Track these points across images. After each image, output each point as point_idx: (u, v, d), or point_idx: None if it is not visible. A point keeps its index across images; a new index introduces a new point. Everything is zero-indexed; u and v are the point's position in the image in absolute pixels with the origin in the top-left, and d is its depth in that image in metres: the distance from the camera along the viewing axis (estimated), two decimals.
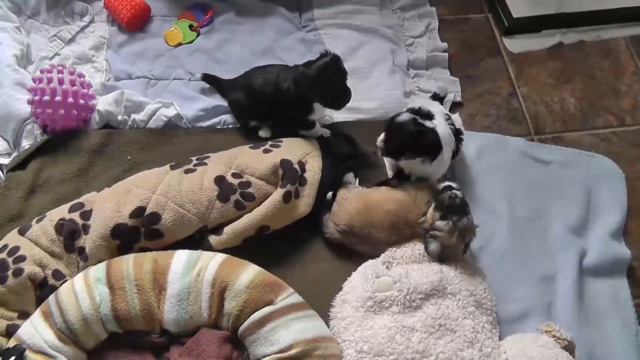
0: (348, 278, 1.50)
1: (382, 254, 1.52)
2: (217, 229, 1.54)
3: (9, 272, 1.37)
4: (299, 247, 1.61)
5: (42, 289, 1.41)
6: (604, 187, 1.81)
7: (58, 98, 1.69)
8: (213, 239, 1.52)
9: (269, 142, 1.69)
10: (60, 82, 1.71)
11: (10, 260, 1.40)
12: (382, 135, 1.59)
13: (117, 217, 1.47)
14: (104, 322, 1.32)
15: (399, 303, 1.38)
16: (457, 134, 1.65)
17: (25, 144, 1.74)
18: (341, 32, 2.14)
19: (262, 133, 1.80)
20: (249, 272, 1.36)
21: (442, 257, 1.49)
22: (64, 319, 1.29)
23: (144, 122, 1.82)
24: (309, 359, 1.28)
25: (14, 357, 1.22)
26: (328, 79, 1.59)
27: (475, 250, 1.63)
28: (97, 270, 1.36)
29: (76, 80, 1.75)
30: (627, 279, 1.65)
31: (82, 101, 1.75)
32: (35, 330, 1.29)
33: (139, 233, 1.48)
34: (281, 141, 1.69)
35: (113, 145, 1.77)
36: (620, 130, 1.98)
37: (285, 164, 1.59)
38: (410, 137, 1.52)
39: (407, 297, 1.38)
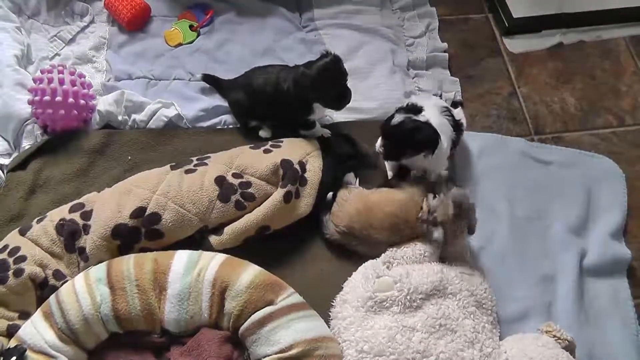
0: (348, 278, 1.50)
1: (383, 254, 1.52)
2: (218, 229, 1.54)
3: (10, 273, 1.37)
4: (299, 247, 1.61)
5: (43, 289, 1.41)
6: (604, 187, 1.81)
7: (58, 98, 1.69)
8: (213, 239, 1.52)
9: (270, 142, 1.69)
10: (61, 82, 1.71)
11: (10, 260, 1.40)
12: (379, 141, 1.60)
13: (118, 217, 1.47)
14: (104, 322, 1.32)
15: (400, 303, 1.38)
16: (456, 125, 1.66)
17: (26, 144, 1.74)
18: (341, 32, 2.14)
19: (263, 133, 1.80)
20: (250, 272, 1.36)
21: (448, 247, 1.48)
22: (65, 319, 1.29)
23: (144, 122, 1.82)
24: (310, 359, 1.28)
25: (14, 357, 1.22)
26: (328, 80, 1.59)
27: (475, 250, 1.63)
28: (98, 271, 1.36)
29: (76, 81, 1.75)
30: (627, 279, 1.65)
31: (82, 101, 1.75)
32: (36, 330, 1.29)
33: (139, 233, 1.48)
34: (281, 141, 1.69)
35: (113, 146, 1.77)
36: (620, 131, 1.98)
37: (285, 164, 1.59)
38: (409, 136, 1.52)
39: (408, 297, 1.38)
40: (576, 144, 1.93)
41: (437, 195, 1.49)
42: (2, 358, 1.23)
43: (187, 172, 1.57)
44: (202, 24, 2.08)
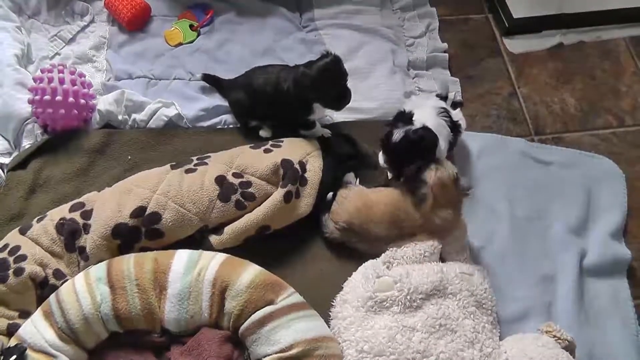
0: (348, 278, 1.50)
1: (383, 254, 1.51)
2: (218, 229, 1.54)
3: (10, 272, 1.37)
4: (299, 247, 1.61)
5: (43, 288, 1.41)
6: (604, 188, 1.81)
7: (59, 98, 1.69)
8: (214, 238, 1.52)
9: (270, 142, 1.69)
10: (61, 81, 1.71)
11: (11, 259, 1.40)
12: (382, 157, 1.60)
13: (118, 216, 1.47)
14: (104, 322, 1.32)
15: (400, 303, 1.38)
16: (453, 126, 1.66)
17: (26, 143, 1.74)
18: (341, 32, 2.14)
19: (263, 133, 1.80)
20: (250, 272, 1.36)
21: (441, 213, 1.48)
22: (65, 319, 1.29)
23: (144, 122, 1.82)
24: (310, 358, 1.28)
25: (14, 356, 1.22)
26: (328, 80, 1.59)
27: (475, 250, 1.64)
28: (98, 270, 1.36)
29: (77, 80, 1.75)
30: (627, 279, 1.65)
31: (82, 101, 1.75)
32: (36, 329, 1.29)
33: (139, 233, 1.48)
34: (282, 141, 1.69)
35: (113, 145, 1.77)
36: (620, 131, 1.99)
37: (285, 163, 1.59)
38: (413, 149, 1.53)
39: (408, 297, 1.38)
40: (576, 145, 1.93)
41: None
42: (2, 357, 1.23)
43: (188, 171, 1.57)
44: (202, 24, 2.08)
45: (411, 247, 1.50)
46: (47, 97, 1.69)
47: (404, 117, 1.58)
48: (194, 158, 1.63)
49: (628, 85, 2.11)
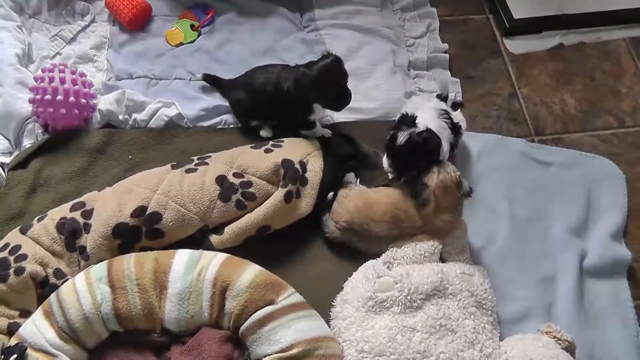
0: (349, 278, 1.50)
1: (383, 254, 1.52)
2: (218, 229, 1.54)
3: (11, 271, 1.37)
4: (300, 247, 1.61)
5: (44, 287, 1.41)
6: (604, 189, 1.81)
7: (59, 97, 1.69)
8: (214, 238, 1.52)
9: (270, 142, 1.69)
10: (62, 81, 1.71)
11: (11, 258, 1.40)
12: (386, 161, 1.61)
13: (118, 216, 1.47)
14: (105, 321, 1.32)
15: (400, 303, 1.38)
16: (454, 127, 1.66)
17: (27, 143, 1.74)
18: (342, 32, 2.14)
19: (264, 133, 1.80)
20: (250, 272, 1.36)
21: (441, 213, 1.49)
22: (66, 318, 1.29)
23: (145, 122, 1.82)
24: (310, 358, 1.28)
25: (15, 356, 1.22)
26: (328, 81, 1.59)
27: (475, 250, 1.64)
28: (99, 270, 1.36)
29: (77, 80, 1.75)
30: (627, 280, 1.65)
31: (83, 100, 1.75)
32: (37, 328, 1.29)
33: (140, 232, 1.48)
34: (282, 141, 1.69)
35: (114, 145, 1.77)
36: (620, 132, 1.99)
37: (286, 163, 1.59)
38: (419, 151, 1.53)
39: (408, 297, 1.39)
40: (576, 145, 1.93)
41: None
42: (2, 356, 1.23)
43: (188, 171, 1.57)
44: (203, 24, 2.08)
45: (412, 248, 1.51)
46: (48, 97, 1.69)
47: (407, 120, 1.58)
48: (195, 158, 1.63)
49: (628, 86, 2.11)
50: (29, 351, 1.25)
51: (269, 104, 1.72)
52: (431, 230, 1.52)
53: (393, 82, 1.98)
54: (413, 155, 1.54)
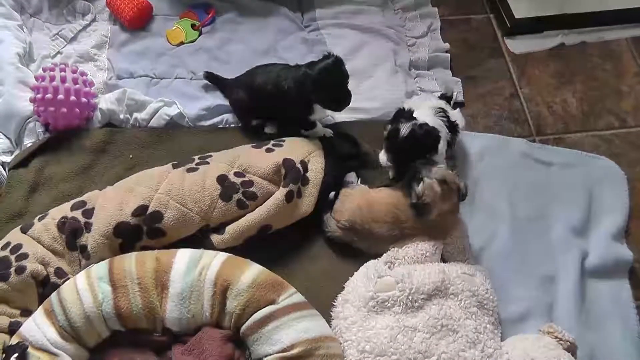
0: (350, 278, 1.50)
1: (385, 254, 1.52)
2: (219, 228, 1.54)
3: (12, 270, 1.38)
4: (301, 246, 1.61)
5: (45, 286, 1.41)
6: (605, 189, 1.81)
7: (60, 96, 1.69)
8: (215, 238, 1.52)
9: (272, 142, 1.69)
10: (63, 80, 1.71)
11: (12, 257, 1.40)
12: (384, 156, 1.60)
13: (120, 215, 1.47)
14: (106, 320, 1.32)
15: (401, 303, 1.38)
16: (451, 126, 1.66)
17: (28, 142, 1.74)
18: (343, 32, 2.14)
19: (268, 129, 1.80)
20: (251, 272, 1.36)
21: (446, 234, 1.48)
22: (67, 317, 1.29)
23: (146, 121, 1.82)
24: (311, 358, 1.28)
25: (16, 354, 1.22)
26: (329, 81, 1.59)
27: (476, 250, 1.63)
28: (100, 269, 1.36)
29: (78, 79, 1.75)
30: (629, 281, 1.65)
31: (84, 99, 1.75)
32: (38, 327, 1.29)
33: (141, 231, 1.48)
34: (283, 141, 1.69)
35: (115, 144, 1.77)
36: (621, 132, 1.98)
37: (287, 163, 1.59)
38: (421, 142, 1.53)
39: (410, 297, 1.39)
40: (578, 145, 1.93)
41: (422, 181, 1.49)
42: (4, 355, 1.23)
43: (189, 170, 1.57)
44: (204, 23, 2.08)
45: (413, 247, 1.51)
46: (48, 96, 1.69)
47: (405, 114, 1.58)
48: (196, 157, 1.63)
49: (630, 86, 2.10)
50: (29, 350, 1.26)
51: (270, 103, 1.72)
52: (431, 230, 1.52)
53: (394, 81, 1.98)
54: (414, 148, 1.53)
